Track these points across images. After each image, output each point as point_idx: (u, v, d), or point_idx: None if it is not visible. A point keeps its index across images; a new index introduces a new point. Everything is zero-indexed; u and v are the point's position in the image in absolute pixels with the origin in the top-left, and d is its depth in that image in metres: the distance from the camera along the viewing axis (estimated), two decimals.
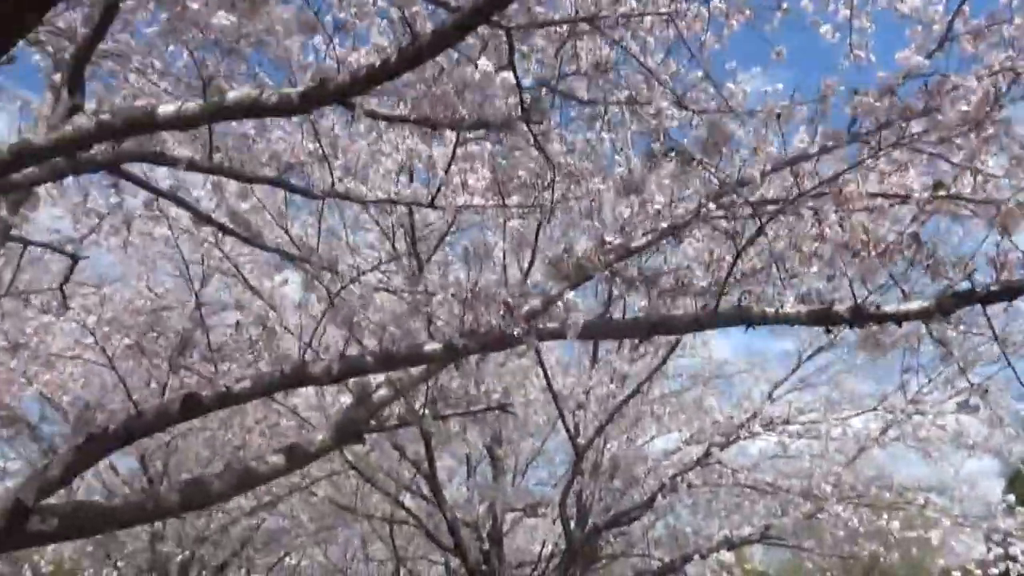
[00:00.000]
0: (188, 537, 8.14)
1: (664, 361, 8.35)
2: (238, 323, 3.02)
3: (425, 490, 9.03)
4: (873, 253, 2.11)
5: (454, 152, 4.06)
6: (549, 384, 8.17)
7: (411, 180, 5.16)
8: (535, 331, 2.45)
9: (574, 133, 4.05)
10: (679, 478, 8.05)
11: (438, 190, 4.13)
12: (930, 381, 7.77)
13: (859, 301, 2.27)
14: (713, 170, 2.40)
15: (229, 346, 2.71)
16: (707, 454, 8.12)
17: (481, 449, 10.17)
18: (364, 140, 4.88)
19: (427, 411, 3.05)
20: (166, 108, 2.25)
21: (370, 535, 14.34)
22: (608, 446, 9.27)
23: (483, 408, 3.52)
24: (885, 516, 8.24)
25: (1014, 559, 7.53)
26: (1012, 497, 7.86)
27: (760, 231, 2.35)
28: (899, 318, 2.29)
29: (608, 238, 3.37)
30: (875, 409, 8.39)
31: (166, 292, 6.80)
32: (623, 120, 3.97)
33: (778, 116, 2.45)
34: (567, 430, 8.49)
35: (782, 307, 2.33)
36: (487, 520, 9.88)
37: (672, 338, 8.39)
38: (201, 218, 4.10)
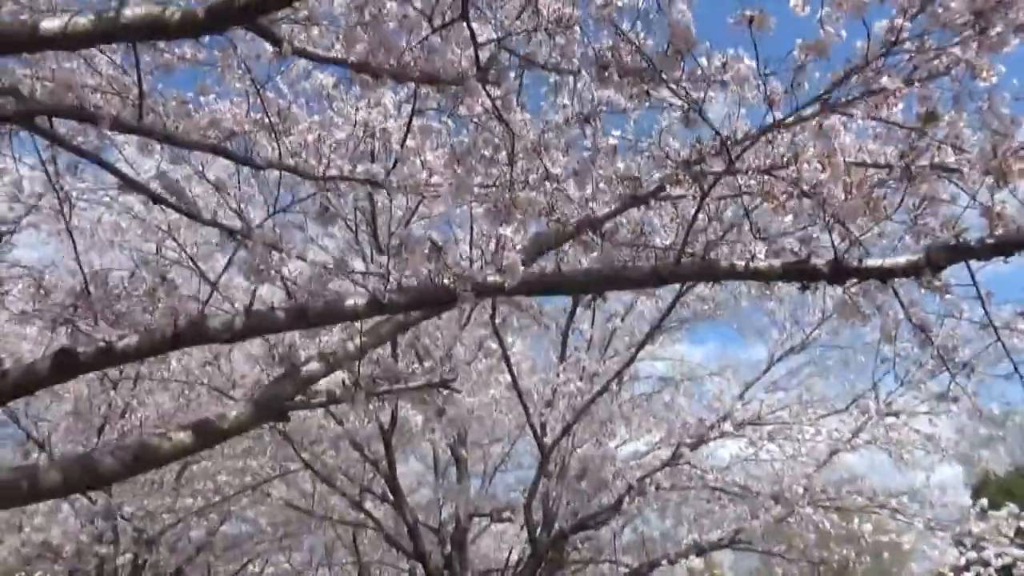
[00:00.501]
0: (131, 539, 7.69)
1: (633, 359, 8.11)
2: (133, 273, 2.68)
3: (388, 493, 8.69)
4: (856, 193, 1.86)
5: (409, 123, 3.77)
6: (515, 380, 7.88)
7: (373, 160, 4.87)
8: (471, 283, 2.14)
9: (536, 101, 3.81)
10: (647, 480, 7.79)
11: (394, 165, 3.84)
12: (902, 384, 7.63)
13: (839, 254, 2.01)
14: (675, 86, 2.13)
15: (123, 301, 2.36)
16: (676, 456, 7.88)
17: (448, 453, 9.84)
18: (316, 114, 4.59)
19: (359, 385, 2.73)
20: (50, 23, 1.94)
21: (334, 541, 13.92)
22: (576, 448, 9.00)
23: (424, 384, 3.21)
24: (856, 520, 8.05)
25: (987, 564, 7.37)
26: (985, 501, 7.70)
27: (725, 173, 2.09)
28: (884, 274, 2.04)
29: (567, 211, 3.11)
30: (847, 410, 8.20)
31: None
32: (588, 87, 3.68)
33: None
34: (533, 429, 8.20)
35: (752, 260, 2.07)
36: (451, 524, 9.55)
37: (641, 335, 8.16)
38: (129, 184, 3.75)
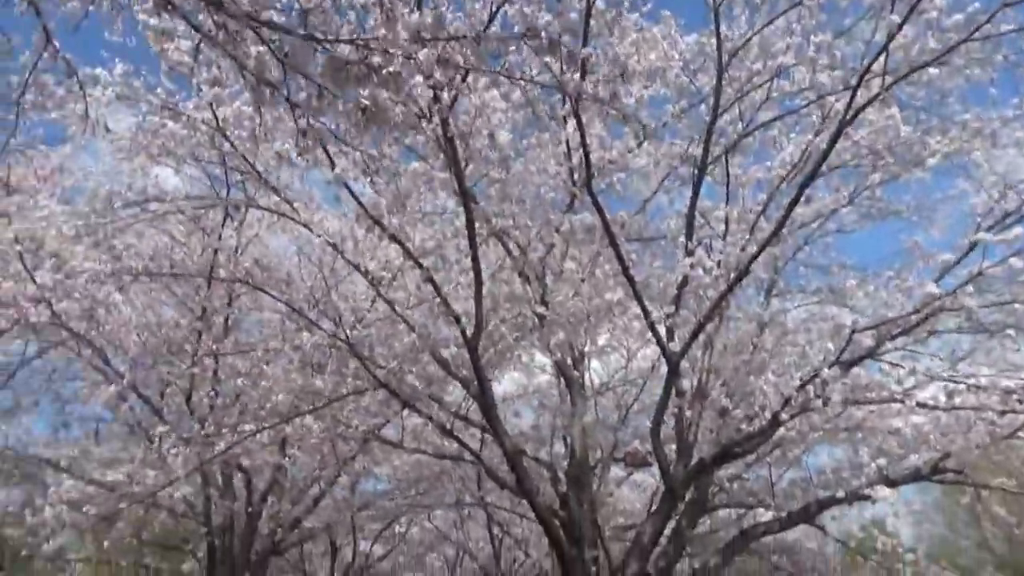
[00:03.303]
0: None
1: (780, 226, 6.13)
2: None
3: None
4: None
5: None
6: (625, 271, 6.18)
7: None
8: None
9: None
10: (810, 388, 5.86)
11: None
12: None
13: None
14: None
15: None
16: (848, 357, 5.88)
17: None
18: None
19: None
20: None
21: (462, 492, 12.86)
22: (713, 360, 7.21)
23: None
24: None
25: None
26: None
27: None
28: None
29: None
30: None
31: None
32: None
33: None
34: (655, 334, 6.47)
35: None
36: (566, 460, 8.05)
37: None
38: None
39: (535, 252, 6.67)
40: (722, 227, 7.28)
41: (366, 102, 2.91)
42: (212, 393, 8.46)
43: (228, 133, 6.70)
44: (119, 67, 6.47)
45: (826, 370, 5.73)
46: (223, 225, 8.77)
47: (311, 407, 6.36)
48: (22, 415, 11.20)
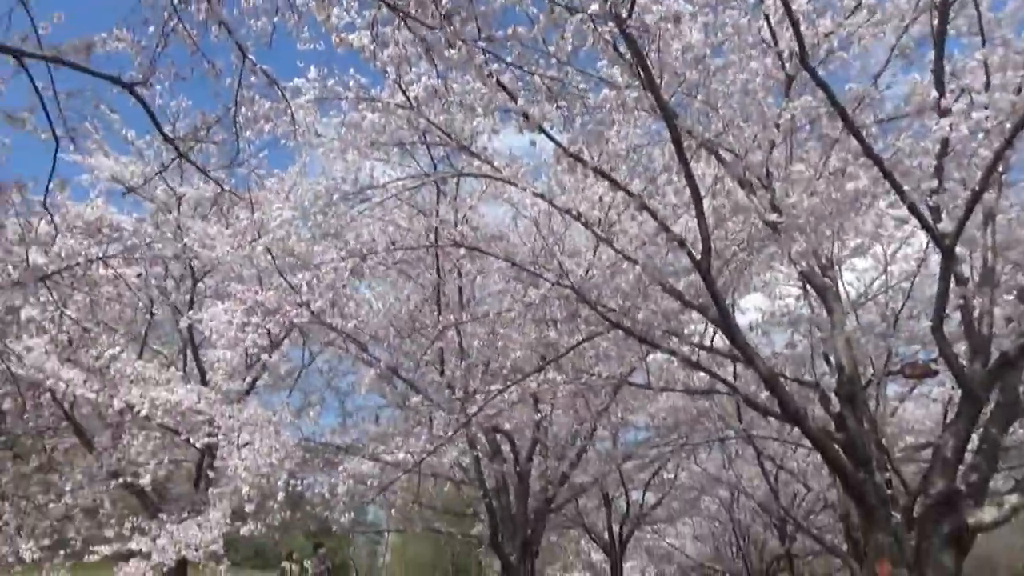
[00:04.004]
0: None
1: None
2: None
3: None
4: None
5: None
6: (868, 151, 5.30)
7: None
8: None
9: None
10: None
11: None
12: None
13: None
14: None
15: None
16: None
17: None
18: None
19: None
20: None
21: (723, 429, 12.35)
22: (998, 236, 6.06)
23: None
24: None
25: None
26: None
27: None
28: None
29: None
30: None
31: None
32: None
33: None
34: (917, 216, 5.52)
35: None
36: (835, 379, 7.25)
37: None
38: None
39: (754, 155, 5.99)
40: (982, 77, 6.03)
41: None
42: (460, 362, 8.81)
43: (423, 110, 6.80)
44: (312, 71, 6.81)
45: None
46: (437, 202, 9.05)
47: (549, 360, 6.29)
48: (311, 411, 12.55)
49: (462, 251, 7.92)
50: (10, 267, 5.26)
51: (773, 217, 5.96)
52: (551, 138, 5.80)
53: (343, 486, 7.37)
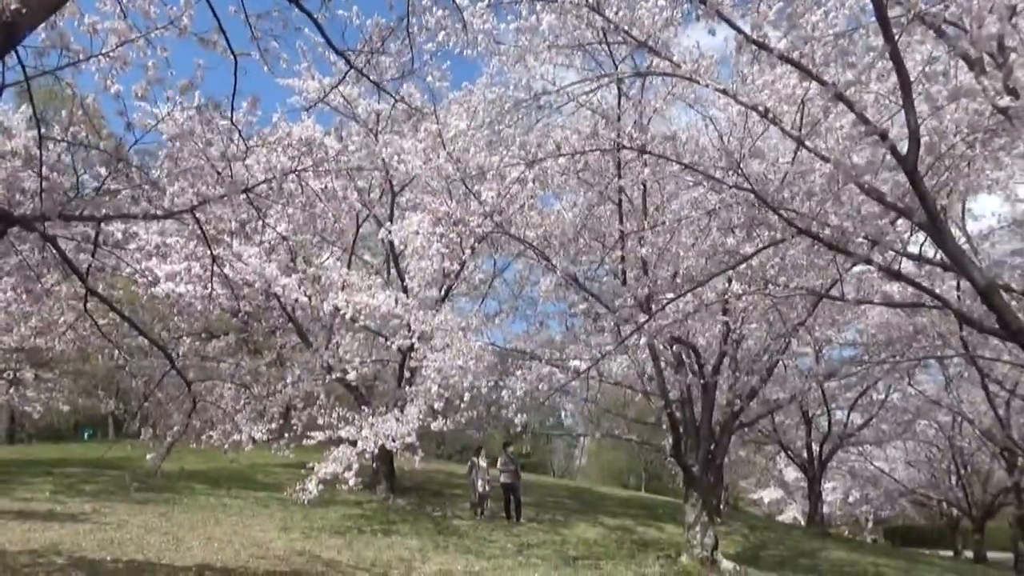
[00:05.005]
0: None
1: None
2: None
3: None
4: None
5: None
6: None
7: None
8: None
9: None
10: None
11: None
12: None
13: None
14: None
15: None
16: None
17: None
18: None
19: None
20: None
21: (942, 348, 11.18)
22: None
23: None
24: None
25: None
26: None
27: None
28: None
29: None
30: None
31: None
32: None
33: None
34: None
35: None
36: None
37: None
38: None
39: (984, 28, 5.04)
40: None
41: None
42: (642, 271, 8.60)
43: (601, 7, 6.46)
44: None
45: None
46: (619, 106, 8.69)
47: (724, 268, 5.91)
48: (497, 318, 12.99)
49: (645, 156, 7.59)
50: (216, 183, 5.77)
51: (1006, 101, 5.05)
52: (732, 25, 5.27)
53: (520, 389, 7.62)
